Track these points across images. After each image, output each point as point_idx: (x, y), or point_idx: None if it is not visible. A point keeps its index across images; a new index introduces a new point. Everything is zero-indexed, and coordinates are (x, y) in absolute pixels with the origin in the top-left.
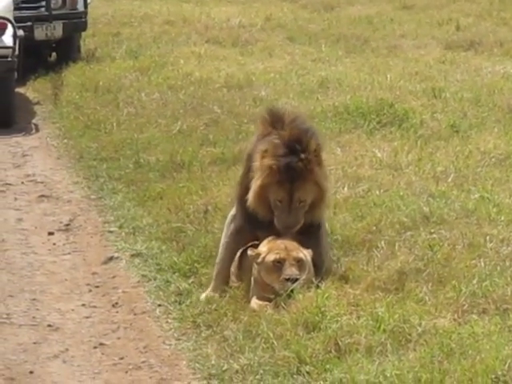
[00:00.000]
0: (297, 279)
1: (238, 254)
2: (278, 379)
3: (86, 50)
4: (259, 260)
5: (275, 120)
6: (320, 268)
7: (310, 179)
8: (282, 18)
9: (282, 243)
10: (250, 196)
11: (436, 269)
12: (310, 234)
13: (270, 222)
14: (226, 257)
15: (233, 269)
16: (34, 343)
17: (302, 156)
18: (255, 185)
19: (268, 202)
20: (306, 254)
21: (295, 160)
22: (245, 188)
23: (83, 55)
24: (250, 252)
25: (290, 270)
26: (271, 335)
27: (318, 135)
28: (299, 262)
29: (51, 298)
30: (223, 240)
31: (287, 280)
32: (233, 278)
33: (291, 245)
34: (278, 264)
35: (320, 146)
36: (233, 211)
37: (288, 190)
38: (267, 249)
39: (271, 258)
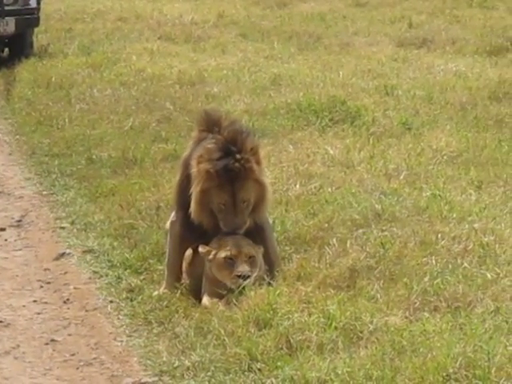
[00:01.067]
0: (248, 276)
1: (189, 251)
2: (229, 376)
3: (39, 45)
4: (210, 257)
5: (211, 124)
6: (271, 266)
7: (250, 178)
8: (235, 15)
9: (233, 240)
10: (192, 205)
11: (387, 266)
12: (256, 234)
13: (213, 229)
14: (174, 259)
15: (184, 266)
16: None
17: (238, 156)
18: (195, 191)
19: (210, 208)
20: (257, 251)
21: (232, 161)
22: (183, 195)
23: (36, 51)
24: (201, 249)
25: (242, 267)
26: (222, 332)
27: (255, 136)
28: (251, 259)
29: (2, 294)
30: (168, 244)
31: (239, 277)
32: (184, 275)
33: (242, 241)
34: (230, 261)
35: (257, 145)
36: (173, 217)
37: (229, 191)
38: (218, 245)
39: (222, 254)
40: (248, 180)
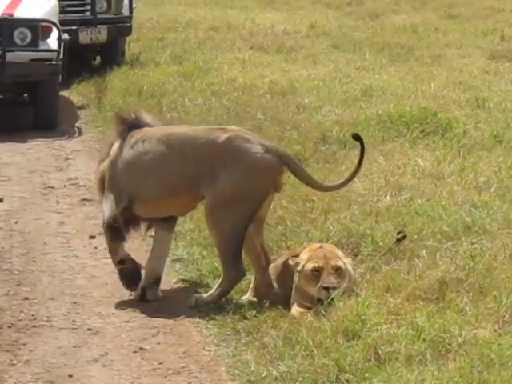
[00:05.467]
0: (334, 287)
1: (281, 261)
2: None
3: (131, 54)
4: (299, 268)
5: None
6: None
7: None
8: (327, 26)
9: (321, 251)
10: None
11: (477, 279)
12: None
13: None
14: None
15: (274, 276)
16: (74, 347)
17: None
18: None
19: None
20: (345, 263)
21: None
22: None
23: (127, 59)
24: (290, 261)
25: (328, 279)
26: (311, 343)
27: None
28: (338, 271)
29: (91, 301)
30: None
31: (325, 289)
32: (275, 284)
33: (330, 253)
34: (317, 273)
35: None
36: None
37: None
38: (307, 257)
39: (310, 266)
40: None
